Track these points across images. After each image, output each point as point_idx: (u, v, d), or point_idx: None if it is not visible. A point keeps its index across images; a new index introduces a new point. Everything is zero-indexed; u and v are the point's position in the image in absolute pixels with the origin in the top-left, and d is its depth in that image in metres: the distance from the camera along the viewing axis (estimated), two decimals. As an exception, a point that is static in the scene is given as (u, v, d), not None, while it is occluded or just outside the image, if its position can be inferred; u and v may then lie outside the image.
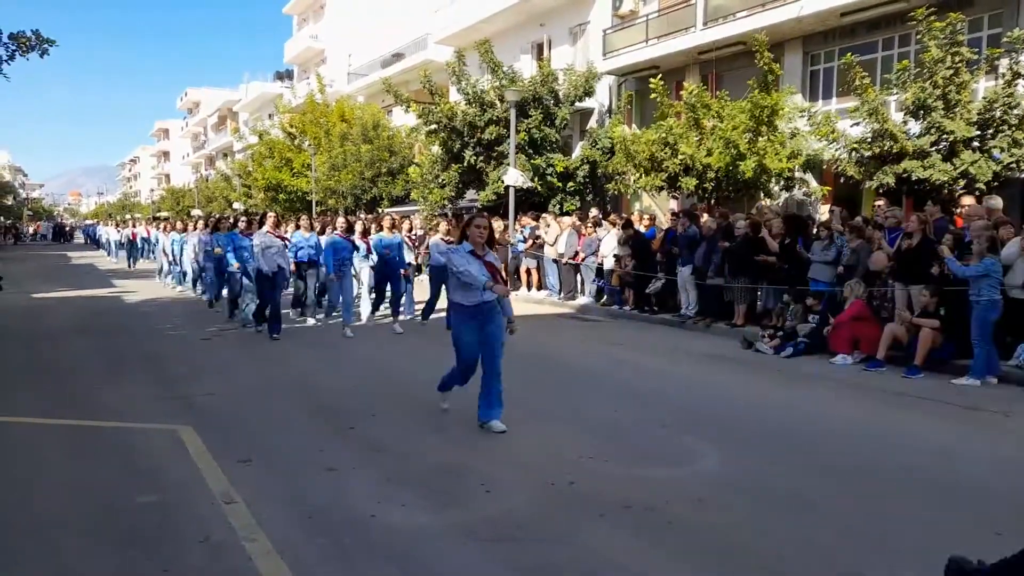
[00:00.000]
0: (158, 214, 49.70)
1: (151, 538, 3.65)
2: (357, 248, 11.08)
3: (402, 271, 11.23)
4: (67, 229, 62.71)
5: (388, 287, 11.19)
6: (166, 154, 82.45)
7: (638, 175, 14.63)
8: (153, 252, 24.14)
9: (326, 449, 5.03)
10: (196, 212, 42.97)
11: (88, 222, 73.84)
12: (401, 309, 11.10)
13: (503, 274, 6.27)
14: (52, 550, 3.55)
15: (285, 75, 46.92)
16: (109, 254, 30.64)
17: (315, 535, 3.68)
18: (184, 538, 3.63)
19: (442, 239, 10.78)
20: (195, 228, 15.64)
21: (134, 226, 28.36)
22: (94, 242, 43.13)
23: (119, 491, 4.27)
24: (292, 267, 10.94)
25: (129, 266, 24.29)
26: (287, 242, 10.66)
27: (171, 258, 16.92)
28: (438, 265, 10.55)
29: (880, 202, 10.20)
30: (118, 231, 30.65)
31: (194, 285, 15.26)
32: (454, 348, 5.44)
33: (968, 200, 9.11)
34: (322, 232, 12.47)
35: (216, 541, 3.60)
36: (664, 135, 13.61)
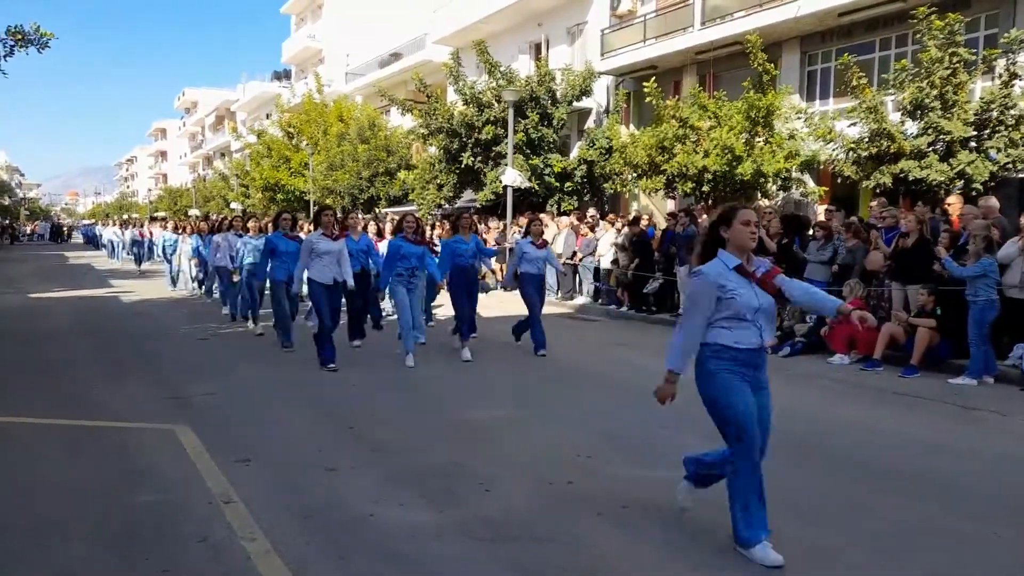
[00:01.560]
0: (155, 214, 49.64)
1: (149, 538, 3.64)
2: (432, 254, 8.91)
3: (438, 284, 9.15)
4: (64, 229, 62.51)
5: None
6: (163, 154, 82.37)
7: (636, 176, 14.67)
8: (158, 254, 22.86)
9: (325, 449, 5.04)
10: (194, 212, 42.99)
11: (85, 222, 73.62)
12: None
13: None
14: (50, 550, 3.55)
15: (283, 75, 46.91)
16: (111, 256, 28.83)
17: (314, 535, 3.68)
18: (182, 538, 3.63)
19: (533, 242, 8.89)
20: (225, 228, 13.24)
21: (142, 225, 26.72)
22: (92, 242, 42.86)
23: (117, 491, 4.26)
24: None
25: (138, 267, 22.76)
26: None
27: (193, 263, 14.83)
28: (532, 275, 8.80)
29: (873, 203, 10.23)
30: (121, 231, 28.58)
31: (204, 290, 14.28)
32: (718, 416, 3.52)
33: (953, 200, 9.13)
34: (380, 233, 10.69)
35: (215, 541, 3.60)
36: (660, 139, 13.62)
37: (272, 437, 5.33)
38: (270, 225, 11.22)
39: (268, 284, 9.44)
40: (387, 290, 8.35)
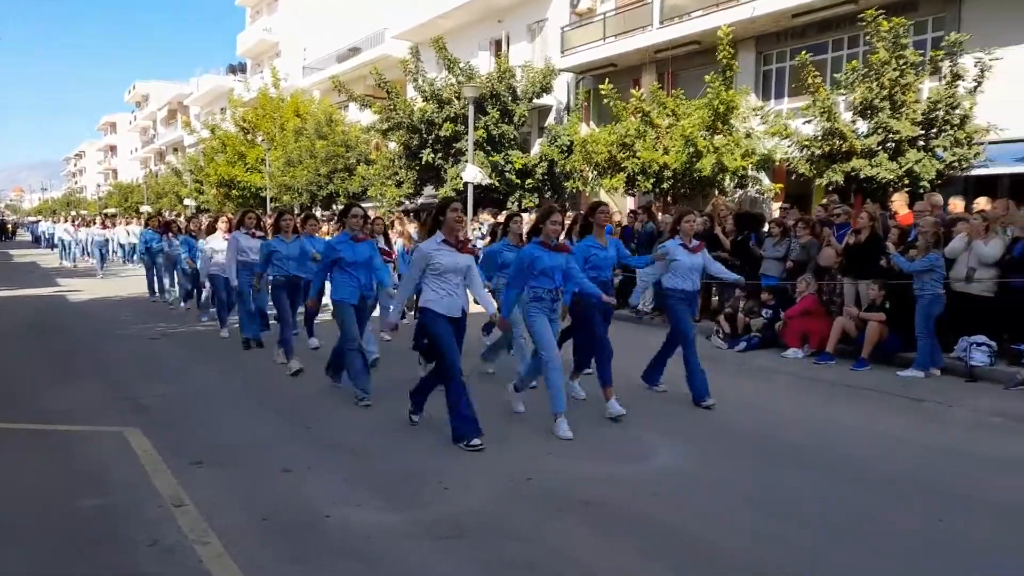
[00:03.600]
0: (106, 210, 48.22)
1: (97, 543, 3.53)
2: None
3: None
4: (9, 226, 60.19)
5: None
6: (113, 148, 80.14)
7: (596, 174, 14.79)
8: (140, 255, 19.94)
9: (281, 449, 4.94)
10: (145, 208, 41.86)
11: (31, 219, 71.08)
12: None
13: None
14: (-10, 559, 3.42)
15: (238, 68, 46.03)
16: (63, 256, 25.17)
17: (269, 537, 3.61)
18: (131, 542, 3.52)
19: (684, 244, 6.40)
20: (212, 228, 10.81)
21: (104, 225, 22.88)
22: (39, 240, 41.34)
23: (64, 496, 4.12)
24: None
25: (100, 269, 19.65)
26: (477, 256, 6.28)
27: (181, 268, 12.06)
28: (685, 291, 6.36)
29: (824, 200, 10.48)
30: (74, 228, 25.25)
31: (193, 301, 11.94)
32: None
33: (897, 198, 9.42)
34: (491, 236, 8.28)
35: (165, 545, 3.50)
36: (620, 137, 13.75)
37: (226, 438, 5.22)
38: (317, 224, 9.17)
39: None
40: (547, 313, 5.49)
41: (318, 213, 21.37)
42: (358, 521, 3.80)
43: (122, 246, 23.91)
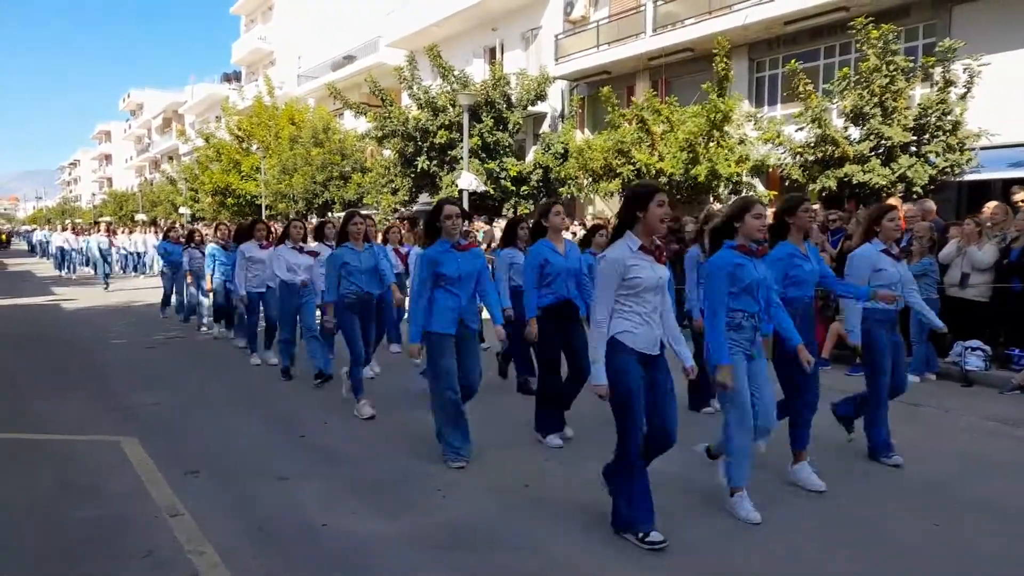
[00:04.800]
0: (100, 219, 48.15)
1: (91, 555, 3.52)
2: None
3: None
4: (3, 236, 59.84)
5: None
6: (108, 157, 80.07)
7: (591, 180, 14.84)
8: (151, 267, 18.13)
9: (276, 458, 4.93)
10: (140, 216, 41.81)
11: (26, 228, 70.80)
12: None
13: None
14: (-15, 570, 3.40)
15: (233, 76, 46.11)
16: (59, 266, 23.68)
17: (265, 546, 3.60)
18: (127, 553, 3.51)
19: (888, 251, 4.80)
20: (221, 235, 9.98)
21: (109, 232, 21.34)
22: (32, 249, 41.17)
23: (58, 507, 4.11)
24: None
25: (105, 284, 18.05)
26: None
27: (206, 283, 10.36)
28: (881, 312, 4.82)
29: (816, 206, 10.53)
30: (75, 237, 23.48)
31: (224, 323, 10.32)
32: None
33: (892, 203, 9.45)
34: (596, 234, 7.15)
35: (161, 556, 3.49)
36: (617, 143, 13.82)
37: (222, 447, 5.20)
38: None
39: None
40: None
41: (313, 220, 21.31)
42: (355, 530, 3.79)
43: (128, 255, 23.31)
